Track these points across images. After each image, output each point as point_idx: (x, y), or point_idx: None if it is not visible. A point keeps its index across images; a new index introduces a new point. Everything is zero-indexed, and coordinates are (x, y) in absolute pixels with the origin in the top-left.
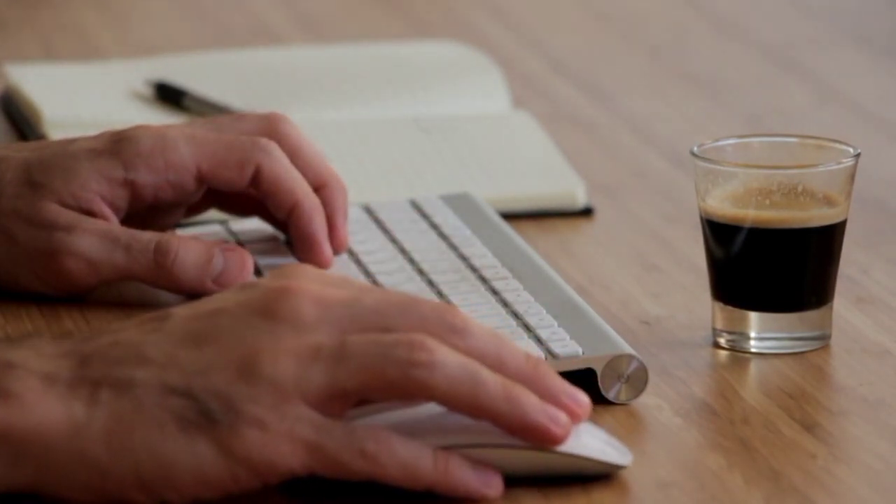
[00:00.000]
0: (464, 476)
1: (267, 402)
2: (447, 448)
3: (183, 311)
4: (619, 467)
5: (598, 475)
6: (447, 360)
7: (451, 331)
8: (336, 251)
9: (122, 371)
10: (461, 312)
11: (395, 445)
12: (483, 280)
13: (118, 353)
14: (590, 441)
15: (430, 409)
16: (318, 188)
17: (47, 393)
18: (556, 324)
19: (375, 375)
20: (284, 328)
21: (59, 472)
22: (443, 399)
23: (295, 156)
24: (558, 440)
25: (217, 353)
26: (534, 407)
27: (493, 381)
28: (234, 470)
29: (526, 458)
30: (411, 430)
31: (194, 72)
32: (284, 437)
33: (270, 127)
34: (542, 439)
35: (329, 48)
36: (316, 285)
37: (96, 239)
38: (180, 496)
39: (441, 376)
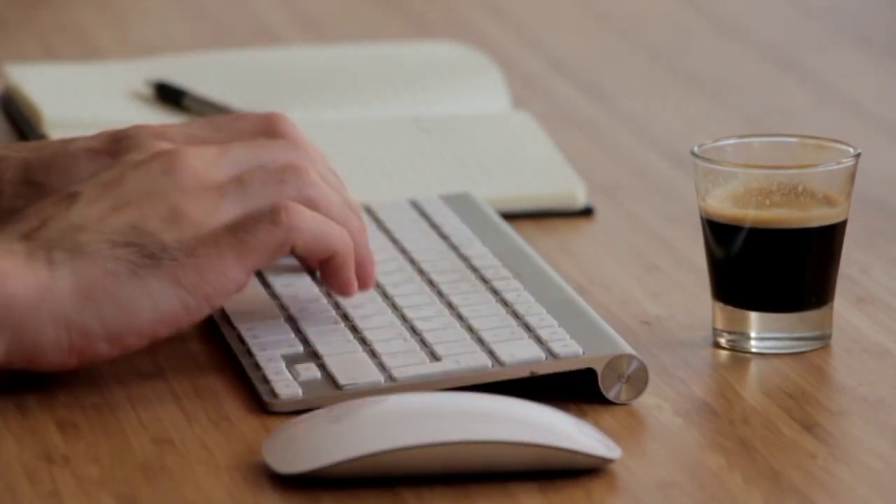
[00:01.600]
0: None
1: (195, 235)
2: (448, 444)
3: (88, 187)
4: (608, 461)
5: (591, 469)
6: (321, 181)
7: (311, 160)
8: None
9: (67, 238)
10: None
11: (305, 212)
12: (483, 280)
13: (54, 227)
14: (580, 437)
15: (430, 406)
16: None
17: (14, 265)
18: (556, 324)
19: (275, 196)
20: (186, 178)
21: (31, 336)
22: (327, 210)
23: None
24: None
25: (139, 210)
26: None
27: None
28: (183, 299)
29: (519, 454)
30: (412, 425)
31: (194, 72)
32: (215, 254)
33: (270, 126)
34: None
35: (329, 48)
36: (189, 146)
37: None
38: (140, 338)
39: (325, 192)
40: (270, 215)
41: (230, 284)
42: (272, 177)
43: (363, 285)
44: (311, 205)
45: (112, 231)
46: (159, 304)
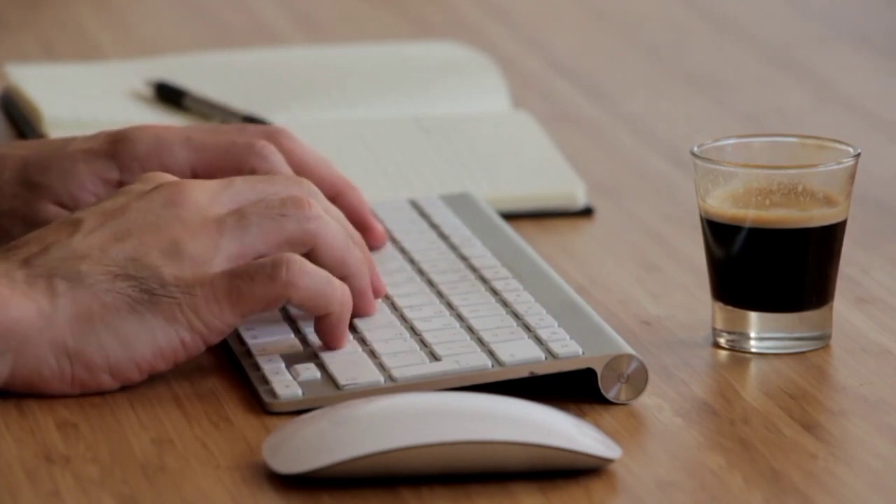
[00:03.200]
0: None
1: (193, 272)
2: (448, 444)
3: (91, 215)
4: (608, 461)
5: (591, 469)
6: (324, 213)
7: (313, 194)
8: (379, 244)
9: (67, 266)
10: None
11: (306, 268)
12: (483, 280)
13: (54, 254)
14: (580, 437)
15: (430, 406)
16: (334, 197)
17: (14, 291)
18: (556, 324)
19: (276, 230)
20: (188, 212)
21: (34, 363)
22: (329, 243)
23: (302, 169)
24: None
25: (140, 242)
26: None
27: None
28: (181, 335)
29: (519, 454)
30: (412, 425)
31: (194, 72)
32: (211, 297)
33: (272, 140)
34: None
35: (329, 48)
36: (195, 180)
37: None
38: (140, 371)
39: (327, 224)
40: (270, 269)
41: (223, 327)
42: (273, 210)
43: (377, 296)
44: (313, 239)
45: (112, 262)
46: (157, 339)
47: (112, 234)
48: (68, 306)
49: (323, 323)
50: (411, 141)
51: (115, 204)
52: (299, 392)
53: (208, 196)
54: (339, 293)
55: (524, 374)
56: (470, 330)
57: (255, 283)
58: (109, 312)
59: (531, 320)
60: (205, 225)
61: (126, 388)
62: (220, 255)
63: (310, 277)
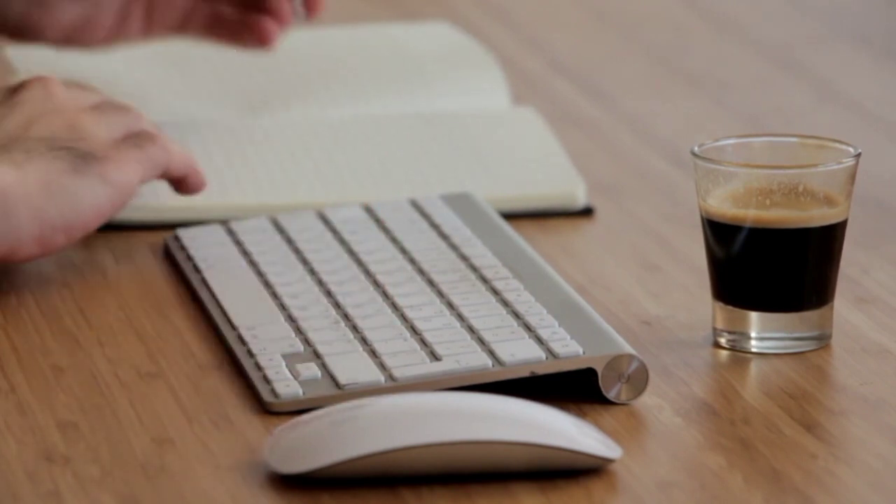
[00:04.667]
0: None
1: (99, 142)
2: (448, 444)
3: None
4: (609, 461)
5: (591, 469)
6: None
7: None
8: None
9: (14, 144)
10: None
11: (164, 137)
12: (483, 280)
13: None
14: (580, 437)
15: (430, 406)
16: None
17: None
18: (556, 324)
19: (133, 121)
20: (65, 101)
21: (13, 229)
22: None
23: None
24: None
25: (47, 124)
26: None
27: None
28: (111, 195)
29: (520, 454)
30: (412, 425)
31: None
32: (124, 161)
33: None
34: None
35: (321, 30)
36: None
37: None
38: (84, 230)
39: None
40: (153, 134)
41: (136, 185)
42: (120, 106)
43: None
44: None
45: (40, 139)
46: (97, 198)
47: (20, 121)
48: (32, 173)
49: (188, 179)
50: (412, 138)
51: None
52: (300, 392)
53: (70, 91)
54: (189, 155)
55: (525, 373)
56: (470, 330)
57: (147, 148)
58: (63, 176)
59: (531, 320)
60: (82, 108)
61: (126, 387)
62: (107, 133)
63: (172, 142)
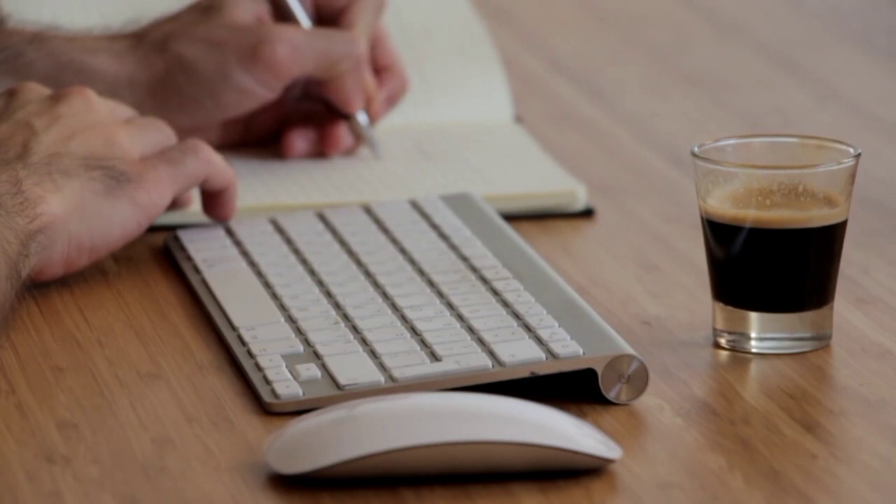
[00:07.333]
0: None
1: (133, 161)
2: (448, 444)
3: (30, 116)
4: (609, 461)
5: (591, 469)
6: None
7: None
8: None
9: (54, 163)
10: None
11: (209, 147)
12: (483, 280)
13: (37, 150)
14: (580, 437)
15: (430, 406)
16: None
17: (43, 188)
18: (556, 324)
19: (168, 136)
20: (103, 114)
21: (51, 252)
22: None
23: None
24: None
25: (85, 139)
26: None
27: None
28: (139, 218)
29: (520, 454)
30: (412, 425)
31: None
32: (156, 179)
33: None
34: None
35: None
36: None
37: (298, 30)
38: (108, 252)
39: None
40: (194, 148)
41: (164, 206)
42: (154, 122)
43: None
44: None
45: (76, 156)
46: (125, 221)
47: (63, 135)
48: (69, 197)
49: (223, 196)
50: (411, 162)
51: (38, 108)
52: (300, 392)
53: (104, 103)
54: (230, 170)
55: (525, 374)
56: (470, 330)
57: (185, 163)
58: (96, 198)
59: (532, 320)
60: (119, 123)
61: (126, 387)
62: (141, 148)
63: (215, 155)
